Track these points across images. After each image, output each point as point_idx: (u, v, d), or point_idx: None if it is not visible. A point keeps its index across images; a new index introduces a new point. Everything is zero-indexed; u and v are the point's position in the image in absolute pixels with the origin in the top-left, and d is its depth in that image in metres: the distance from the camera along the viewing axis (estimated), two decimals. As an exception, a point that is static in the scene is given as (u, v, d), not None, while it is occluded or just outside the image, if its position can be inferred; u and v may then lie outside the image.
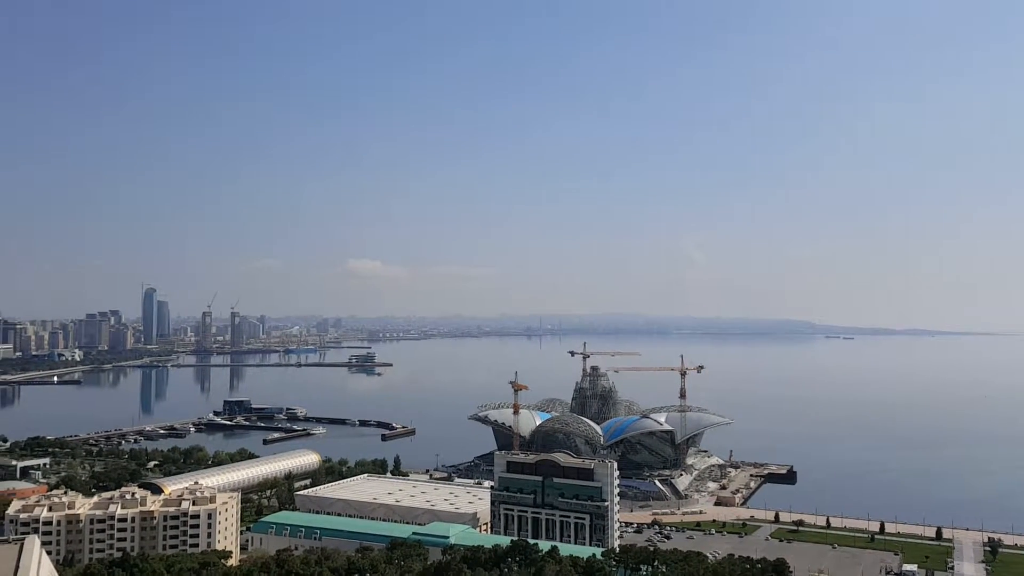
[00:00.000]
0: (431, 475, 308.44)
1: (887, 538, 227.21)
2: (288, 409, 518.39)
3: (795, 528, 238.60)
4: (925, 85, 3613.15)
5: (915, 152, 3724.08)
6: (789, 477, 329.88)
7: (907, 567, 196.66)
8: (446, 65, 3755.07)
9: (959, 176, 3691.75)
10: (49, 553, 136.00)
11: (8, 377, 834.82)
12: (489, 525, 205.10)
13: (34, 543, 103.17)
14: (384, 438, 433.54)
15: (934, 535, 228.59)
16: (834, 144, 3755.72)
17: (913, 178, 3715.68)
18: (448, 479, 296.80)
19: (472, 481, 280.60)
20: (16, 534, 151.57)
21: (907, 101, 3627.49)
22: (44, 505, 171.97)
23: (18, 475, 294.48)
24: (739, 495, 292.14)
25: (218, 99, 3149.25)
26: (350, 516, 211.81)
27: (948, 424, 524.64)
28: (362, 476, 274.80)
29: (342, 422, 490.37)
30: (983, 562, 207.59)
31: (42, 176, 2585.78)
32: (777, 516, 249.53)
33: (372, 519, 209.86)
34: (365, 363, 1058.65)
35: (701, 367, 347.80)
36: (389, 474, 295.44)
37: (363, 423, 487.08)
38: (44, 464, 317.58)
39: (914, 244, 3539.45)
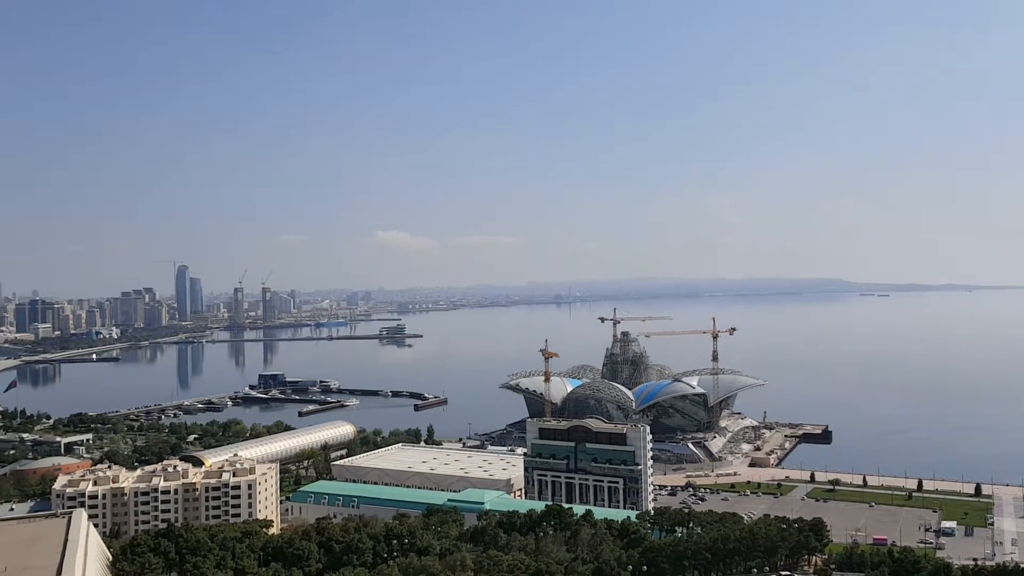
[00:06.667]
0: (464, 443, 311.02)
1: (925, 495, 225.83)
2: (321, 382, 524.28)
3: (831, 487, 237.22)
4: (955, 32, 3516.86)
5: (953, 100, 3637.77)
6: (824, 437, 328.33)
7: (946, 524, 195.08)
8: (468, 29, 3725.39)
9: (998, 124, 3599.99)
10: (96, 526, 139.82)
11: (48, 356, 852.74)
12: (523, 491, 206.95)
13: (81, 516, 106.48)
14: (417, 408, 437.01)
15: (973, 491, 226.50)
16: (867, 96, 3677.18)
17: (950, 128, 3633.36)
18: (481, 447, 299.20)
19: (505, 448, 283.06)
20: (63, 508, 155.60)
21: (938, 50, 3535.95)
22: (89, 479, 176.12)
23: (63, 451, 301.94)
24: (774, 456, 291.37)
25: (250, 84, 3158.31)
26: (386, 484, 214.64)
27: (986, 380, 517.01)
28: (396, 446, 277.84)
29: (375, 393, 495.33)
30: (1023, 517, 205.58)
31: (74, 158, 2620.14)
32: (813, 476, 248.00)
33: (408, 487, 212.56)
34: (395, 335, 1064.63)
35: (733, 329, 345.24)
36: (423, 443, 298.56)
37: (395, 394, 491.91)
38: (87, 440, 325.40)
39: (950, 195, 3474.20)
